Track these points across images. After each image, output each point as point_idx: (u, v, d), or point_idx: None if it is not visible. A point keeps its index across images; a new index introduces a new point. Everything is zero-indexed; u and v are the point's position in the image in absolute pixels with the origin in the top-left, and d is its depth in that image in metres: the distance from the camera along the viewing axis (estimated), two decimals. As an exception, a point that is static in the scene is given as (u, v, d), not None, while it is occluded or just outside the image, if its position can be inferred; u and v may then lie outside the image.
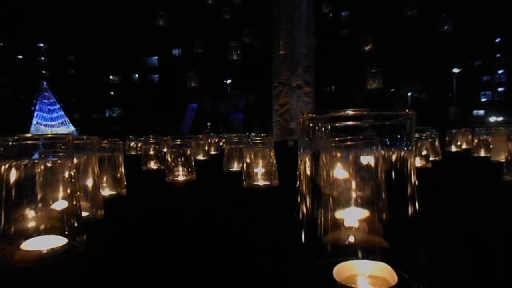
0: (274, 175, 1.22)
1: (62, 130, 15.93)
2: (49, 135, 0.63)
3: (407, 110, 0.39)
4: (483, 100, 23.81)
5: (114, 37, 16.97)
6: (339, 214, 0.40)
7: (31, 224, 0.58)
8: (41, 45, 18.12)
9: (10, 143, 0.56)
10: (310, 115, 0.41)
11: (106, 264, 0.58)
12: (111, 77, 19.94)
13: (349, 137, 0.40)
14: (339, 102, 15.88)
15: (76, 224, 0.61)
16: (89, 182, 0.84)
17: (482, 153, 2.03)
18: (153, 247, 0.65)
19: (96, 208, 0.84)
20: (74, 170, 0.63)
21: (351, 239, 0.40)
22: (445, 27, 5.71)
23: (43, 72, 17.57)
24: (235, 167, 1.61)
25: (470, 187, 1.21)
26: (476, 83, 21.21)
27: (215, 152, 2.68)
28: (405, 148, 0.39)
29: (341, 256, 0.40)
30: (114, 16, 16.20)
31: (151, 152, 1.82)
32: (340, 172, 0.41)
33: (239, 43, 6.75)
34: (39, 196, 0.59)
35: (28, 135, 0.58)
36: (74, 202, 0.62)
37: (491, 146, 1.93)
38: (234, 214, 0.91)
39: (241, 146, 1.55)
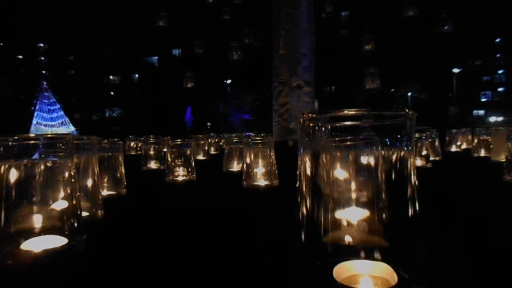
0: (274, 175, 1.22)
1: (62, 130, 15.92)
2: (49, 135, 0.63)
3: (407, 110, 0.39)
4: (483, 100, 23.78)
5: (114, 37, 16.96)
6: (339, 214, 0.40)
7: (31, 224, 0.58)
8: (41, 45, 18.10)
9: (10, 143, 0.56)
10: (310, 115, 0.41)
11: (106, 264, 0.58)
12: (111, 77, 19.93)
13: (349, 137, 0.40)
14: (339, 102, 15.88)
15: (76, 224, 0.61)
16: (89, 182, 0.84)
17: (482, 153, 2.02)
18: (153, 247, 0.65)
19: (96, 208, 0.84)
20: (74, 170, 0.63)
21: (351, 239, 0.40)
22: (445, 27, 5.72)
23: (43, 72, 17.56)
24: (235, 167, 1.61)
25: (470, 187, 1.21)
26: (476, 83, 21.18)
27: (215, 152, 2.68)
28: (405, 148, 0.39)
29: (341, 256, 0.40)
30: (114, 16, 16.19)
31: (151, 152, 1.82)
32: (340, 172, 0.41)
33: (239, 43, 6.76)
34: (39, 196, 0.59)
35: (28, 135, 0.58)
36: (74, 202, 0.62)
37: (491, 146, 1.93)
38: (234, 214, 0.91)
39: (241, 146, 1.55)
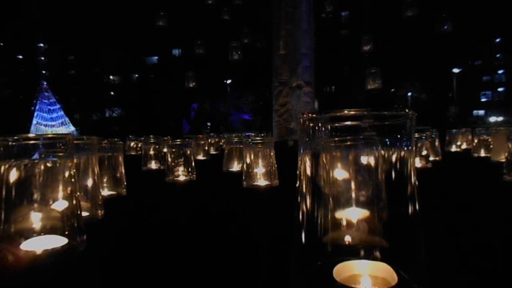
0: (274, 175, 1.22)
1: (62, 130, 15.93)
2: (49, 135, 0.63)
3: (407, 110, 0.39)
4: (483, 100, 23.76)
5: (114, 37, 16.96)
6: (339, 214, 0.40)
7: (31, 224, 0.58)
8: (41, 45, 18.11)
9: (10, 143, 0.56)
10: (310, 115, 0.41)
11: (106, 264, 0.58)
12: (111, 77, 19.91)
13: (349, 137, 0.40)
14: (339, 102, 15.88)
15: (76, 224, 0.61)
16: (89, 182, 0.84)
17: (482, 153, 2.02)
18: (153, 247, 0.65)
19: (96, 208, 0.84)
20: (74, 170, 0.63)
21: (351, 239, 0.40)
22: (445, 27, 5.72)
23: (43, 72, 17.57)
24: (235, 167, 1.61)
25: (470, 187, 1.21)
26: (476, 83, 21.16)
27: (215, 152, 2.68)
28: (405, 148, 0.39)
29: (341, 256, 0.40)
30: (114, 16, 16.19)
31: (151, 152, 1.82)
32: (340, 172, 0.41)
33: (239, 43, 6.77)
34: (39, 196, 0.59)
35: (28, 135, 0.58)
36: (74, 202, 0.62)
37: (491, 146, 1.93)
38: (234, 214, 0.91)
39: (241, 146, 1.55)
